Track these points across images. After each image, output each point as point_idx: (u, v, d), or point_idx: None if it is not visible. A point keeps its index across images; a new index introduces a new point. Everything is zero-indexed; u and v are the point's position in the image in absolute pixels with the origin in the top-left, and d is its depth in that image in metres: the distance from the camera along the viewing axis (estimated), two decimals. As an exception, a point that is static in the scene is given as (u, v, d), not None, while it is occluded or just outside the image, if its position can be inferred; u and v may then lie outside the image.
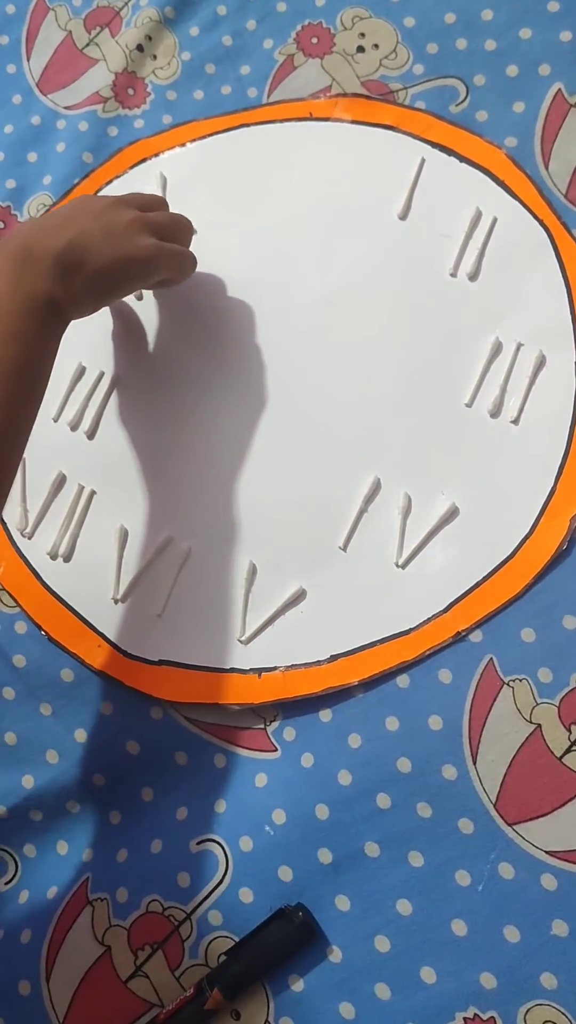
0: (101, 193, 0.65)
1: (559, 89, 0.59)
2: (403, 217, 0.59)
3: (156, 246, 0.53)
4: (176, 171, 0.64)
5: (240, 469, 0.57)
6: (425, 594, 0.52)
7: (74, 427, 0.60)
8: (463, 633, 0.51)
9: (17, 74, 0.70)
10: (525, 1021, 0.45)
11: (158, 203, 0.57)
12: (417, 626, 0.52)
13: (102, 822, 0.55)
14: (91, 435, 0.60)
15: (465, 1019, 0.46)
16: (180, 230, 0.57)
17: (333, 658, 0.52)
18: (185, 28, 0.67)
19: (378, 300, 0.58)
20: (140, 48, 0.68)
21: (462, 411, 0.55)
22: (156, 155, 0.65)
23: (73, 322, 0.51)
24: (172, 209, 0.58)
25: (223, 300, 0.60)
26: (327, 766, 0.51)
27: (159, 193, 0.64)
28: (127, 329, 0.62)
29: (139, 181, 0.65)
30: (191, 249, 0.58)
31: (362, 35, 0.63)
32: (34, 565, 0.59)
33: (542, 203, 0.57)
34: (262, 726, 0.53)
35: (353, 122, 0.62)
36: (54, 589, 0.58)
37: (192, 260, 0.57)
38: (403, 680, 0.52)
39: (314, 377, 0.58)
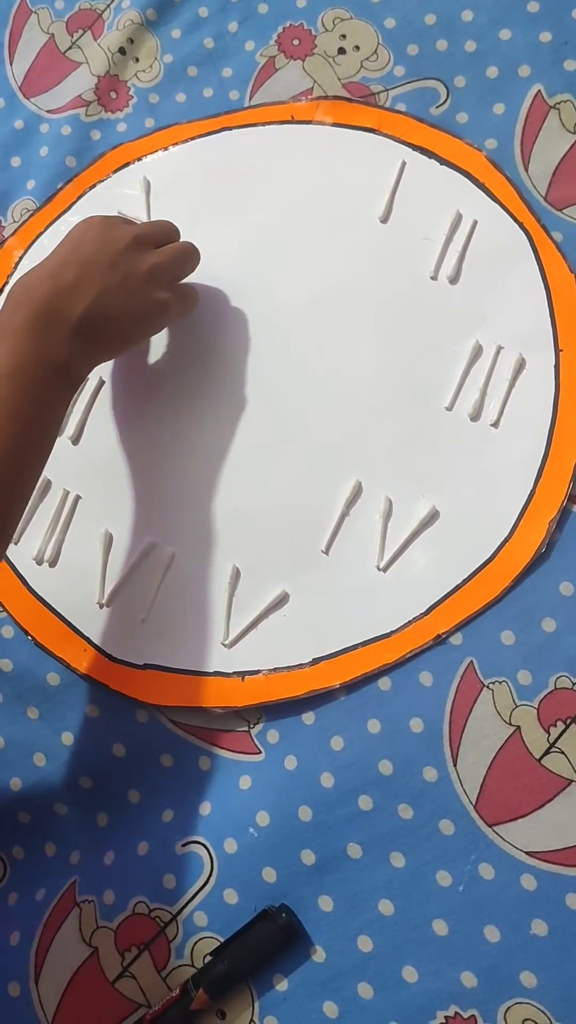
0: (85, 197, 0.65)
1: (539, 91, 0.59)
2: (384, 220, 0.59)
3: (169, 300, 0.54)
4: (159, 175, 0.64)
5: (223, 474, 0.57)
6: (406, 597, 0.53)
7: (59, 433, 0.61)
8: (444, 636, 0.52)
9: (0, 78, 0.70)
10: (505, 1019, 0.46)
11: (170, 233, 0.57)
12: (398, 629, 0.52)
13: (89, 824, 0.55)
14: (75, 440, 0.61)
15: (446, 1018, 0.46)
16: (188, 262, 0.57)
17: (315, 661, 0.53)
18: (167, 30, 0.67)
19: (359, 304, 0.58)
20: (122, 51, 0.68)
21: (442, 414, 0.55)
22: (139, 159, 0.65)
23: None
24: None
25: (205, 304, 0.60)
26: (310, 768, 0.52)
27: (143, 197, 0.64)
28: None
29: (122, 185, 0.65)
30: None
31: (343, 36, 0.63)
32: (20, 570, 0.60)
33: (522, 205, 0.57)
34: (246, 729, 0.54)
35: (334, 125, 0.62)
36: (40, 594, 0.59)
37: (196, 300, 0.58)
38: (384, 683, 0.52)
39: (296, 381, 0.58)
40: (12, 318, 0.48)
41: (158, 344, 0.61)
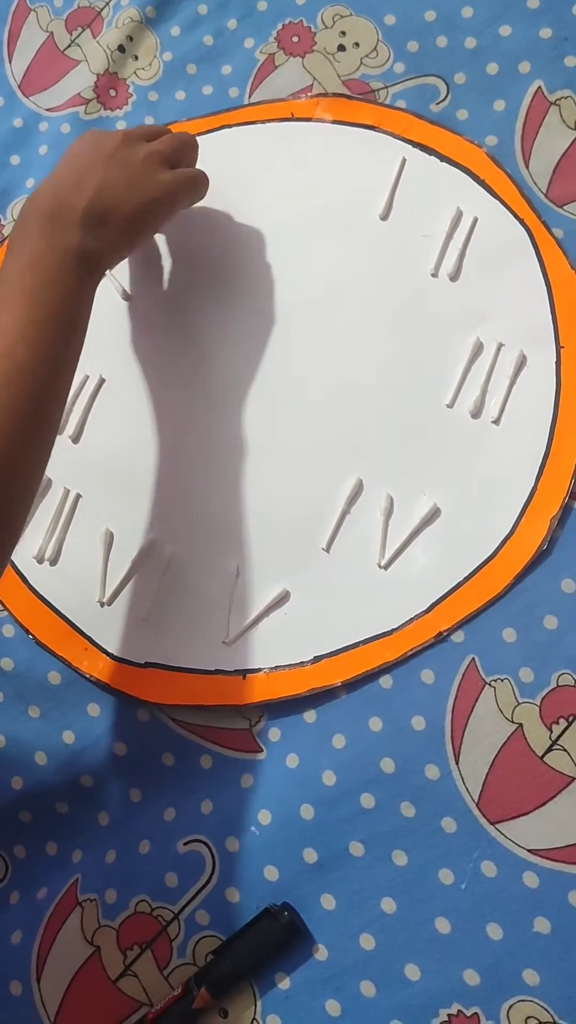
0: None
1: (539, 87, 0.59)
2: (384, 217, 0.59)
3: (173, 180, 0.55)
4: (158, 173, 0.64)
5: (223, 472, 0.57)
6: (407, 595, 0.53)
7: (59, 431, 0.61)
8: (445, 633, 0.51)
9: (-1, 76, 0.70)
10: (508, 1017, 0.46)
11: (160, 131, 0.58)
12: (399, 627, 0.52)
13: (91, 823, 0.55)
14: (76, 439, 0.61)
15: (449, 1015, 0.46)
16: (188, 150, 0.58)
17: (317, 659, 0.53)
18: (166, 28, 0.67)
19: (359, 301, 0.58)
20: (121, 49, 0.67)
21: (443, 411, 0.55)
22: (138, 157, 0.65)
23: None
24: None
25: (204, 303, 0.60)
26: (312, 766, 0.51)
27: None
28: (112, 332, 0.62)
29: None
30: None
31: (343, 33, 0.63)
32: (21, 569, 0.59)
33: (522, 202, 0.57)
34: (247, 727, 0.54)
35: (334, 122, 0.61)
36: (41, 593, 0.59)
37: (205, 180, 0.58)
38: (386, 681, 0.52)
39: (296, 378, 0.58)
40: (25, 225, 0.51)
41: (157, 341, 0.61)
